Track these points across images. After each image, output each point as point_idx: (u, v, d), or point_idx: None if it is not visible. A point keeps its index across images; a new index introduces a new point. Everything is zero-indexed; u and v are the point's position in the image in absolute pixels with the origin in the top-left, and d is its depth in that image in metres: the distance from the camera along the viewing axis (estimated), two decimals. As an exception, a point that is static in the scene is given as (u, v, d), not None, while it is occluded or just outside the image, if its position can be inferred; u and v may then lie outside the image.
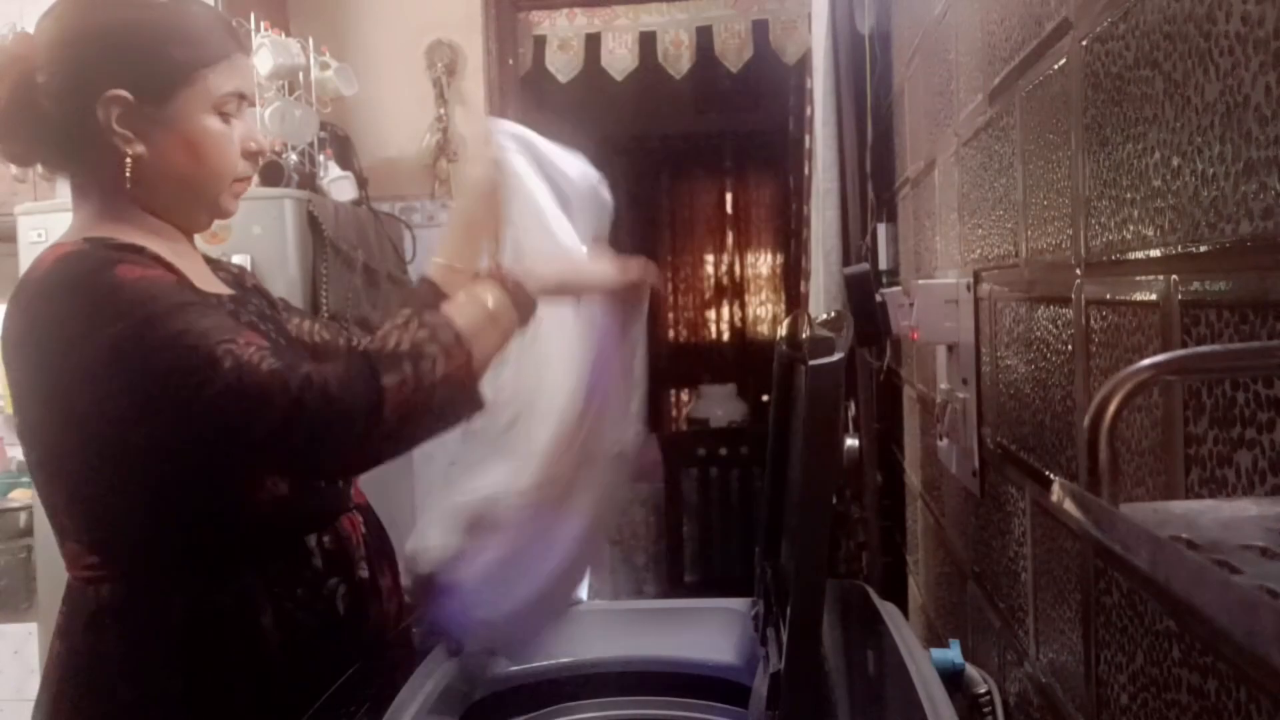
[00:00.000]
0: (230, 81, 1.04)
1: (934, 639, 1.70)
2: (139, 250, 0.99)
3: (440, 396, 0.93)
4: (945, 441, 1.41)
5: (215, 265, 1.17)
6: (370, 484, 1.21)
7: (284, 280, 2.17)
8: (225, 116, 1.05)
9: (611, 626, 1.21)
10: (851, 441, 2.37)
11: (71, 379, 0.95)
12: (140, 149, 1.01)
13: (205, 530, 1.01)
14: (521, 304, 1.02)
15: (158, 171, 1.03)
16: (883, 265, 2.27)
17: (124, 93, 0.99)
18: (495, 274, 1.03)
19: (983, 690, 1.12)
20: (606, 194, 1.23)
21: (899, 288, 1.86)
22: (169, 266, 1.00)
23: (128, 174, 1.01)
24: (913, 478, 2.03)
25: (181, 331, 0.91)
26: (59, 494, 1.02)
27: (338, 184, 2.52)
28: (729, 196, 5.80)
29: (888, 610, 1.06)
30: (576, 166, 1.22)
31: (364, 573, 1.12)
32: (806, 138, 2.72)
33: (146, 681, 0.99)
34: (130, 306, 0.92)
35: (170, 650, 0.99)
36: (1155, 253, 0.66)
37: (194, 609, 1.00)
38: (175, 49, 1.02)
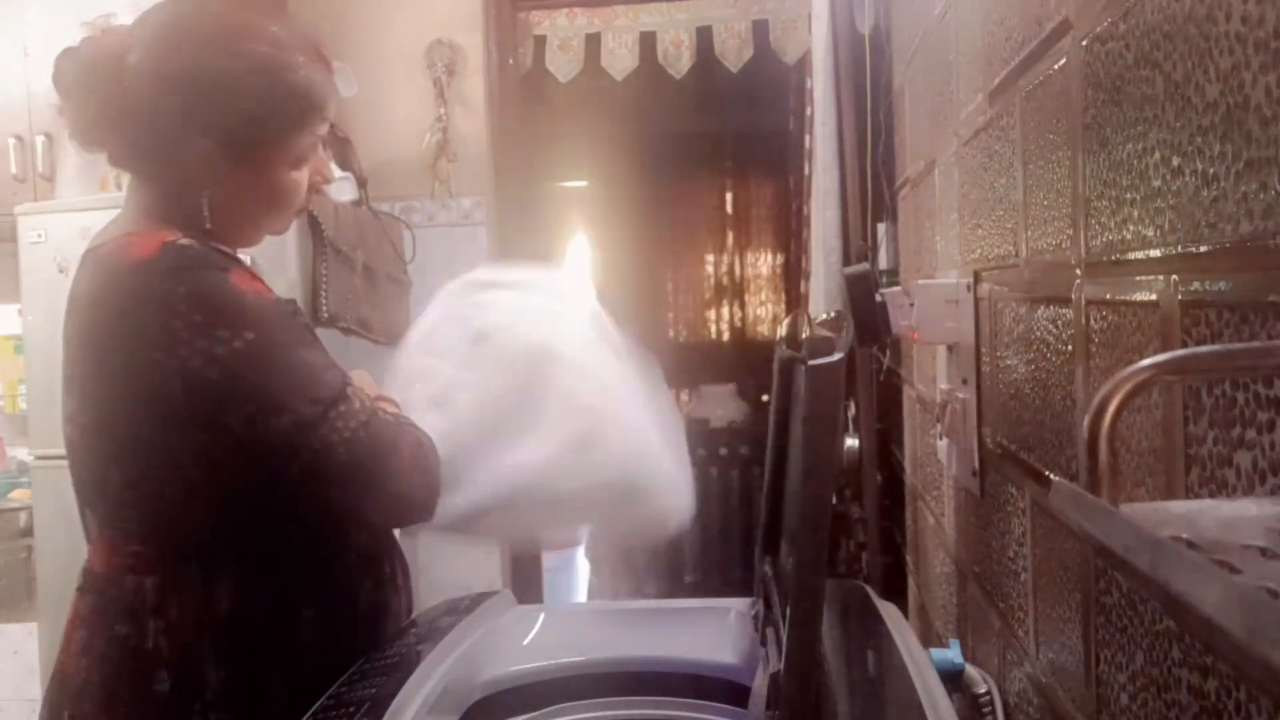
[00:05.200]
0: (313, 134, 1.08)
1: (934, 639, 1.71)
2: (237, 260, 1.03)
3: None
4: (945, 441, 1.41)
5: None
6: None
7: (284, 281, 2.17)
8: (301, 161, 1.08)
9: (611, 626, 1.20)
10: (851, 441, 2.37)
11: (176, 374, 0.95)
12: (217, 192, 1.04)
13: (258, 525, 1.03)
14: None
15: (228, 208, 1.06)
16: (883, 265, 2.28)
17: (212, 143, 1.02)
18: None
19: (983, 690, 1.12)
20: None
21: (899, 288, 1.86)
22: (259, 279, 1.04)
23: (205, 212, 1.04)
24: (913, 478, 2.03)
25: (315, 366, 0.99)
26: (110, 481, 1.02)
27: (337, 185, 2.52)
28: (729, 196, 5.79)
29: (888, 610, 1.06)
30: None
31: (386, 569, 1.14)
32: (806, 138, 2.72)
33: (190, 671, 1.00)
34: (255, 323, 0.96)
35: (215, 641, 1.00)
36: (1155, 253, 0.66)
37: (239, 600, 1.01)
38: (277, 112, 1.04)
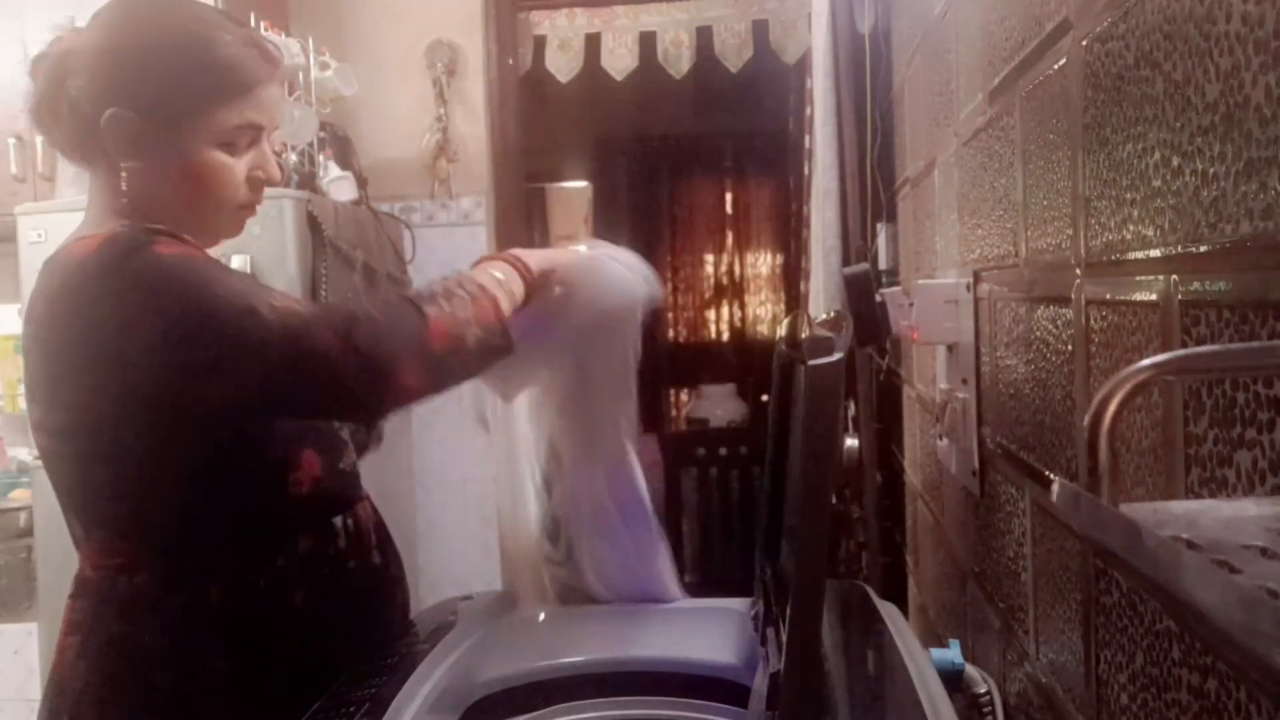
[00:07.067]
0: (242, 115, 1.04)
1: (934, 639, 1.70)
2: (171, 234, 1.01)
3: (473, 333, 1.01)
4: (945, 441, 1.41)
5: None
6: (371, 485, 1.22)
7: (283, 280, 2.17)
8: (232, 147, 1.05)
9: (612, 626, 1.20)
10: (851, 441, 2.37)
11: (127, 356, 0.95)
12: (135, 165, 1.03)
13: (241, 512, 1.03)
14: (525, 278, 1.12)
15: (153, 189, 1.04)
16: (883, 265, 2.28)
17: (128, 112, 1.00)
18: (502, 255, 1.14)
19: (983, 690, 1.12)
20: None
21: (899, 288, 1.86)
22: (197, 247, 1.03)
23: (123, 186, 1.03)
24: (913, 478, 2.03)
25: (229, 295, 0.95)
26: (91, 481, 1.02)
27: (337, 184, 2.52)
28: (729, 196, 5.79)
29: (888, 610, 1.06)
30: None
31: (376, 559, 1.15)
32: (806, 138, 2.72)
33: (186, 667, 1.00)
34: (177, 280, 0.95)
35: (208, 634, 1.00)
36: (1155, 253, 0.66)
37: (230, 592, 1.01)
38: (191, 81, 1.02)
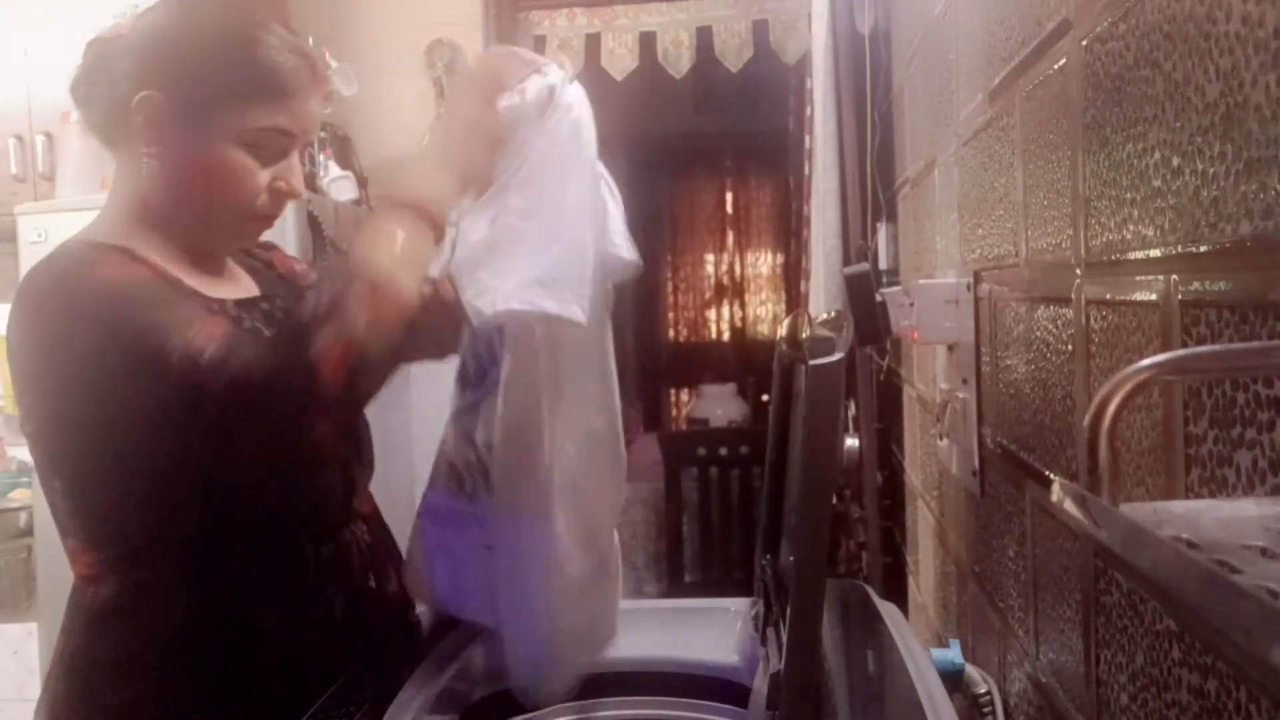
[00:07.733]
0: (272, 119, 1.02)
1: (934, 639, 1.71)
2: (125, 251, 1.00)
3: (374, 341, 0.91)
4: (945, 441, 1.41)
5: (246, 254, 1.18)
6: (372, 486, 1.21)
7: (284, 280, 2.17)
8: (257, 150, 1.02)
9: (611, 626, 1.20)
10: (851, 441, 2.37)
11: (57, 377, 0.96)
12: (157, 152, 1.02)
13: (204, 530, 1.01)
14: (435, 221, 0.97)
15: (170, 182, 1.03)
16: (883, 265, 2.28)
17: (159, 96, 1.00)
18: (401, 200, 0.97)
19: (983, 690, 1.12)
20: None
21: (899, 288, 1.86)
22: (154, 267, 1.00)
23: (144, 172, 1.02)
24: (913, 478, 2.03)
25: (144, 329, 0.92)
26: (58, 490, 1.02)
27: (338, 184, 2.52)
28: (729, 196, 5.80)
29: (888, 610, 1.06)
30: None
31: (369, 581, 1.13)
32: (806, 138, 2.72)
33: (142, 683, 0.99)
34: (104, 307, 0.93)
35: (166, 652, 0.99)
36: (1155, 253, 0.66)
37: (191, 610, 1.00)
38: (226, 75, 1.01)
